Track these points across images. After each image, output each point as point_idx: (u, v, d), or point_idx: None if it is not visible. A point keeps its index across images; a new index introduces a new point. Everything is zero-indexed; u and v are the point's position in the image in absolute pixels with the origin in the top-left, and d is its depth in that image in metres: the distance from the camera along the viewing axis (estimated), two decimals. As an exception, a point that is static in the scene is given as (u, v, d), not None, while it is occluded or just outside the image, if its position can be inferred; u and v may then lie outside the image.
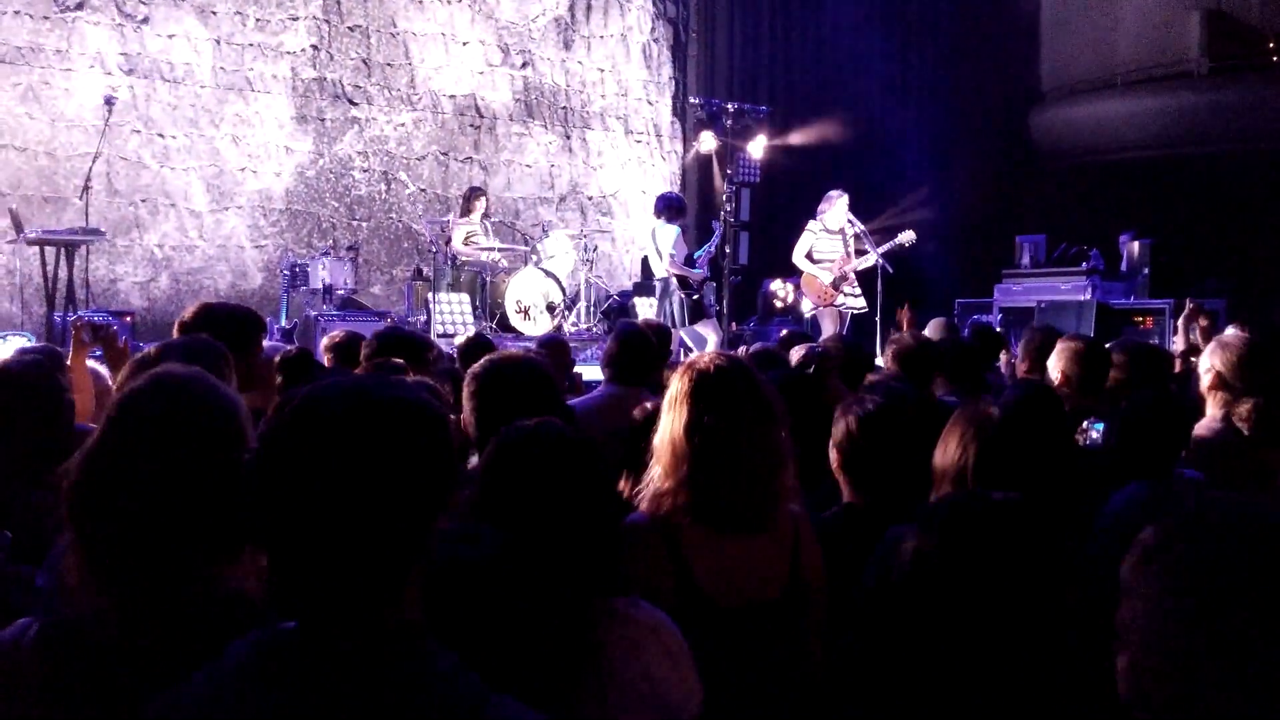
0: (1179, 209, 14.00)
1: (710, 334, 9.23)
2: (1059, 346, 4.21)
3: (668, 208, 9.31)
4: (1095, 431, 3.31)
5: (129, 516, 1.54)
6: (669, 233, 9.15)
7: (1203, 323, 6.22)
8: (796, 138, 13.61)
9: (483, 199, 10.58)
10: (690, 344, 9.07)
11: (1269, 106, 14.55)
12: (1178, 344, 7.14)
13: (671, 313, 9.09)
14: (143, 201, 10.38)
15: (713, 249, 9.70)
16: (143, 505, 1.54)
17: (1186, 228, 13.30)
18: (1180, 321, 6.24)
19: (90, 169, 8.87)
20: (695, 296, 9.22)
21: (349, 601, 1.22)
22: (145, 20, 10.33)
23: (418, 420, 1.26)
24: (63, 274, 8.27)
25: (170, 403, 1.61)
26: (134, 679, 1.49)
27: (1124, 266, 12.45)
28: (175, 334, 3.33)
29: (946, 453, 2.53)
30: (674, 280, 9.12)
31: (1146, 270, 12.18)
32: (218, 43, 10.70)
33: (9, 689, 1.53)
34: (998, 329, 10.22)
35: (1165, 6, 16.01)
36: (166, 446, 1.57)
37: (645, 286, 11.00)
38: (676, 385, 2.45)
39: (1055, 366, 4.15)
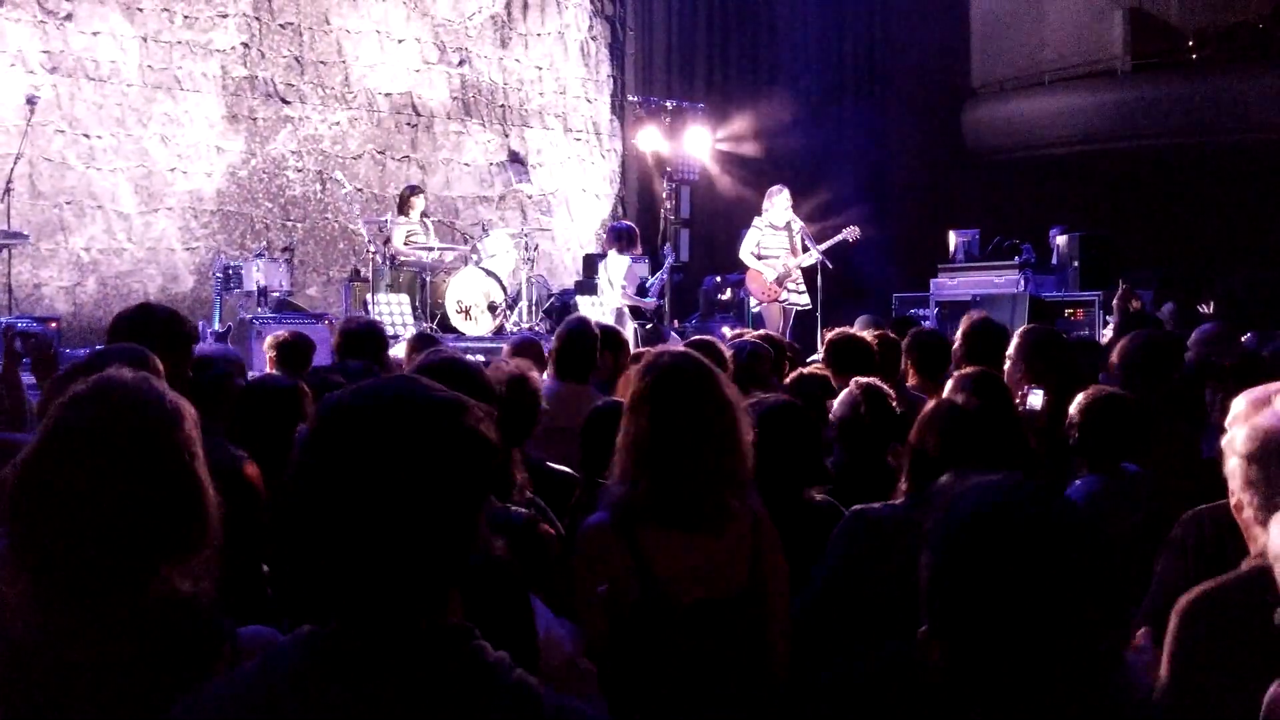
0: (1106, 203, 14.33)
1: None
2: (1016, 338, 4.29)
3: (619, 238, 9.36)
4: (1034, 397, 3.35)
5: (71, 524, 1.52)
6: (620, 264, 9.19)
7: (1136, 304, 6.35)
8: (734, 134, 13.67)
9: (420, 197, 10.47)
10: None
11: (1190, 102, 14.94)
12: (1108, 331, 7.29)
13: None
14: (68, 204, 10.09)
15: (665, 277, 9.74)
16: (85, 513, 1.52)
17: (1114, 221, 13.59)
18: (1115, 303, 6.37)
19: (12, 170, 8.62)
20: (649, 325, 9.23)
21: (397, 602, 1.23)
22: (68, 17, 10.05)
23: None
24: (-15, 279, 8.01)
25: (111, 409, 1.59)
26: (84, 689, 1.48)
27: (1055, 260, 12.67)
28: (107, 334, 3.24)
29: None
30: (627, 311, 9.14)
31: (1076, 263, 12.41)
32: (144, 40, 10.44)
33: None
34: (929, 322, 10.38)
35: (1089, 5, 16.37)
36: (107, 453, 1.54)
37: (587, 285, 10.98)
38: (637, 386, 2.44)
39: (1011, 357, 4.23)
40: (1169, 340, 4.40)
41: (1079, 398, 3.25)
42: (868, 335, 4.84)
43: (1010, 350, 4.22)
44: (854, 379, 3.51)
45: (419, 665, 1.22)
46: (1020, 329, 4.48)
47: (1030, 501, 1.29)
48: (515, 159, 11.83)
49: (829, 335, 4.88)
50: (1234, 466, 1.97)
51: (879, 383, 3.50)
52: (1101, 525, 1.38)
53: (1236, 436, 1.97)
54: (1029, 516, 1.27)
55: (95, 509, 1.52)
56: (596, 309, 9.51)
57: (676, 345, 9.09)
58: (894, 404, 3.44)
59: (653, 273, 10.13)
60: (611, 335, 5.20)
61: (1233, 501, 1.99)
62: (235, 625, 1.62)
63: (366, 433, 1.23)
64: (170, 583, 1.56)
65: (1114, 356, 4.09)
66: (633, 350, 8.81)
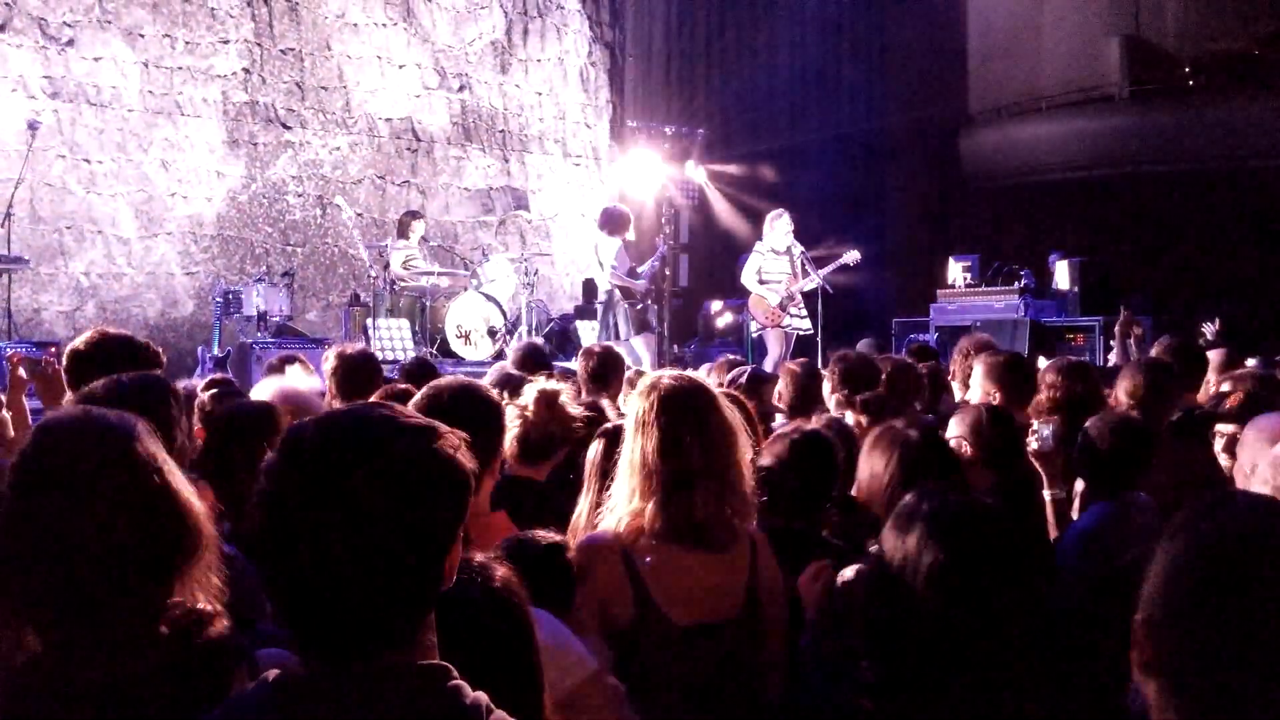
0: (1105, 228, 14.37)
1: (645, 352, 9.15)
2: (983, 363, 4.27)
3: (610, 220, 9.28)
4: (1046, 430, 3.33)
5: (49, 561, 1.49)
6: (611, 245, 9.11)
7: (1137, 331, 6.35)
8: (733, 159, 13.72)
9: (420, 222, 10.48)
10: (628, 359, 9.03)
11: (1186, 129, 15.02)
12: (1112, 357, 7.29)
13: (615, 325, 9.03)
14: (68, 228, 10.08)
15: (657, 264, 9.70)
16: (60, 549, 1.49)
17: (1112, 246, 13.64)
18: (1117, 329, 6.36)
19: (12, 195, 8.61)
20: (640, 307, 9.18)
21: (368, 641, 1.18)
22: (70, 43, 10.07)
23: (428, 451, 1.22)
24: (-16, 303, 7.99)
25: (62, 448, 1.56)
26: (93, 715, 1.45)
27: (1054, 285, 12.70)
28: (66, 363, 3.18)
29: (872, 472, 2.64)
30: (617, 292, 9.07)
31: (1076, 289, 12.43)
32: (145, 66, 10.46)
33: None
34: (933, 346, 10.37)
35: (1086, 33, 16.47)
36: (71, 491, 1.52)
37: (587, 309, 10.96)
38: (641, 406, 2.44)
39: (979, 384, 4.20)
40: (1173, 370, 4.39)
41: (1088, 423, 3.23)
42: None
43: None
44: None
45: (391, 710, 1.16)
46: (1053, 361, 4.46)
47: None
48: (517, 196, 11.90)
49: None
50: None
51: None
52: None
53: (1265, 469, 1.94)
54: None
55: (69, 543, 1.49)
56: (594, 332, 9.50)
57: (651, 340, 9.09)
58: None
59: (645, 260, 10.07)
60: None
61: None
62: (253, 645, 1.59)
63: (331, 463, 1.18)
64: (183, 603, 1.53)
65: (1127, 386, 4.08)
66: (624, 333, 8.86)
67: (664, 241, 9.94)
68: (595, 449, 2.81)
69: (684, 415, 2.39)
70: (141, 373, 2.76)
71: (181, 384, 3.46)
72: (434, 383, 2.83)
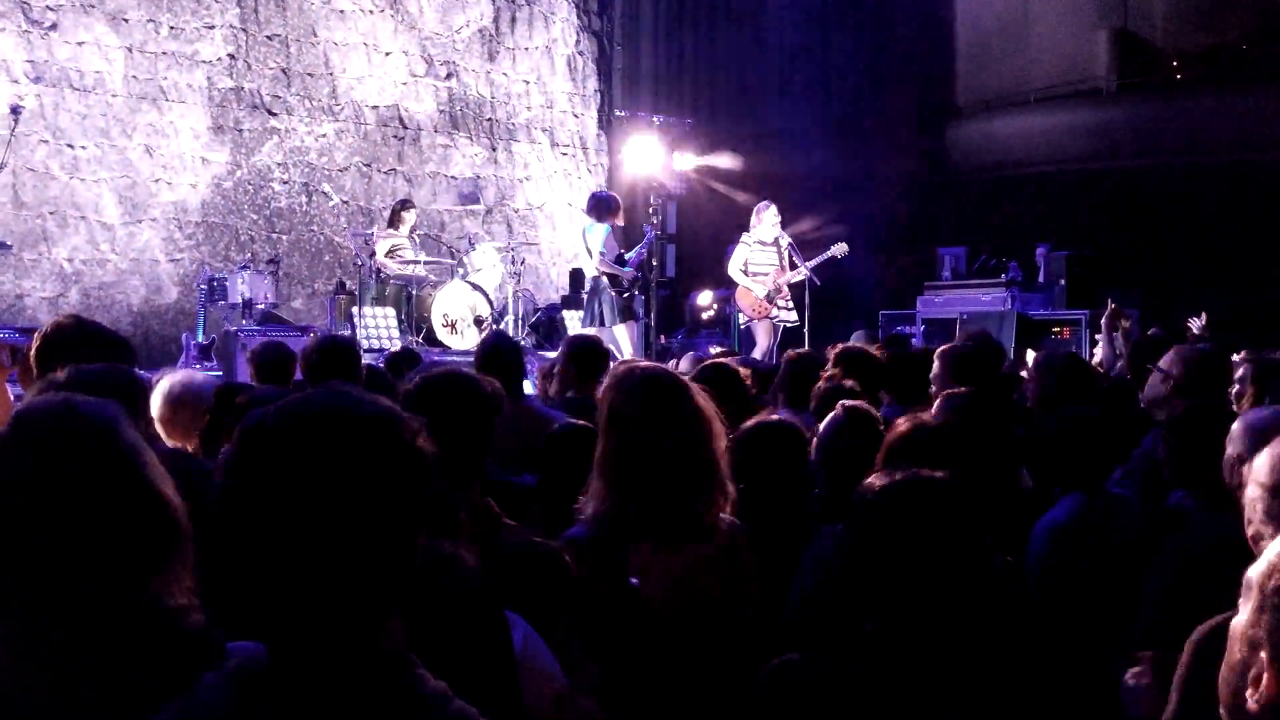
0: (1092, 222, 14.39)
1: (626, 340, 9.10)
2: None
3: (598, 206, 9.23)
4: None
5: (22, 558, 1.45)
6: (599, 231, 9.07)
7: (1124, 324, 6.33)
8: (721, 150, 13.69)
9: (411, 211, 10.44)
10: (610, 347, 8.99)
11: (1174, 122, 15.05)
12: (1098, 351, 7.29)
13: (600, 312, 8.99)
14: (51, 214, 10.01)
15: (644, 251, 9.66)
16: (34, 545, 1.45)
17: (1099, 240, 13.66)
18: (1104, 321, 6.35)
19: (-5, 180, 8.54)
20: (626, 295, 9.13)
21: (329, 630, 1.16)
22: (53, 27, 9.99)
23: (393, 437, 1.19)
24: (-34, 289, 7.92)
25: (38, 439, 1.52)
26: (64, 710, 1.42)
27: (1041, 278, 12.73)
28: (36, 347, 3.13)
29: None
30: (604, 279, 9.03)
31: (1063, 281, 12.46)
32: (130, 51, 10.38)
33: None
34: (915, 340, 10.40)
35: (1075, 25, 16.47)
36: (45, 483, 1.47)
37: (573, 299, 10.94)
38: (615, 398, 2.43)
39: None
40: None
41: (1057, 418, 3.22)
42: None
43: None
44: (840, 402, 3.43)
45: (353, 699, 1.15)
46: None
47: None
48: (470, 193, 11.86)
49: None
50: (1255, 496, 1.90)
51: (865, 405, 3.43)
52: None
53: (1258, 466, 1.91)
54: None
55: (44, 531, 1.45)
56: (581, 324, 9.47)
57: (636, 328, 9.05)
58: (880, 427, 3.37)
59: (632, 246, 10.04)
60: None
61: (1250, 531, 1.92)
62: (225, 639, 1.57)
63: (290, 451, 1.16)
64: (158, 598, 1.50)
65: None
66: (609, 320, 8.83)
67: (652, 229, 9.90)
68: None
69: (657, 406, 2.38)
70: (108, 363, 2.73)
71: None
72: (426, 374, 2.81)
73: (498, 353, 4.26)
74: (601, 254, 9.01)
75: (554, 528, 2.56)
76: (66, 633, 1.46)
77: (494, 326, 10.08)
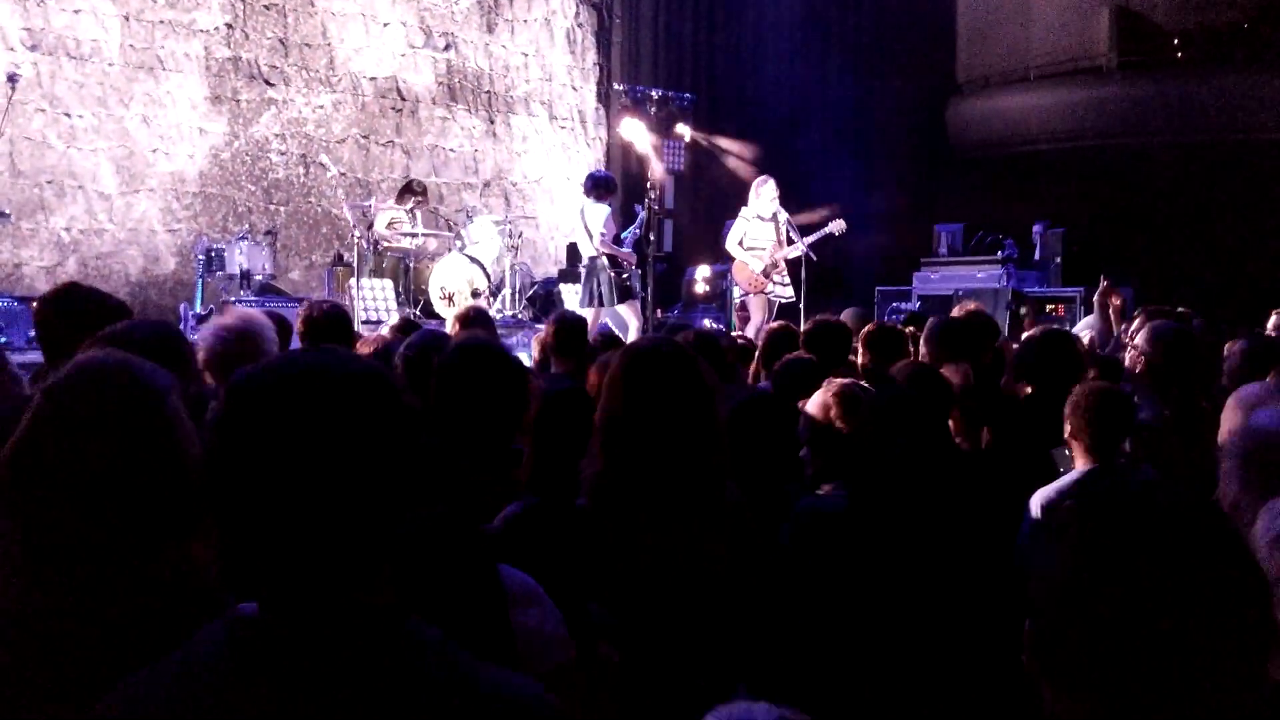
0: (1089, 200, 14.38)
1: (631, 317, 9.16)
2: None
3: (596, 186, 9.21)
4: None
5: (64, 506, 1.52)
6: (599, 211, 9.06)
7: (1116, 302, 6.33)
8: (719, 125, 13.66)
9: (418, 196, 10.42)
10: (613, 326, 9.02)
11: (1174, 101, 15.02)
12: (1082, 328, 7.31)
13: (599, 292, 9.01)
14: (48, 183, 10.00)
15: (638, 231, 9.66)
16: (78, 494, 1.52)
17: (1096, 218, 13.66)
18: (1096, 299, 6.36)
19: (-8, 148, 8.52)
20: (624, 276, 9.14)
21: (321, 584, 1.18)
22: (50, -6, 9.94)
23: (381, 393, 1.22)
24: (-37, 258, 7.93)
25: (97, 388, 1.59)
26: (87, 665, 1.46)
27: (1037, 255, 12.74)
28: (35, 315, 3.18)
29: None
30: (603, 259, 9.03)
31: (1059, 259, 12.48)
32: (126, 19, 10.34)
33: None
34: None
35: (1075, 3, 16.40)
36: (97, 432, 1.55)
37: (570, 273, 10.94)
38: (614, 367, 2.45)
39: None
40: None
41: (1075, 390, 3.24)
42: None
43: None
44: (829, 379, 3.43)
45: (347, 650, 1.17)
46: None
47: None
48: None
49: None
50: (1230, 468, 1.94)
51: (859, 383, 3.45)
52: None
53: (1231, 437, 1.95)
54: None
55: (84, 485, 1.52)
56: (578, 298, 9.48)
57: (636, 307, 9.07)
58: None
59: (626, 227, 10.04)
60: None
61: (1227, 501, 1.95)
62: (237, 600, 1.61)
63: (278, 408, 1.17)
64: (178, 558, 1.55)
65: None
66: (607, 298, 8.85)
67: (644, 208, 9.88)
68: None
69: (650, 378, 2.39)
70: (162, 321, 2.81)
71: None
72: (458, 342, 2.82)
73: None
74: (601, 234, 9.00)
75: (543, 491, 2.58)
76: (91, 583, 1.51)
77: (491, 299, 10.10)
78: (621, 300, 9.05)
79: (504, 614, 1.92)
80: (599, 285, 9.00)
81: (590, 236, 9.08)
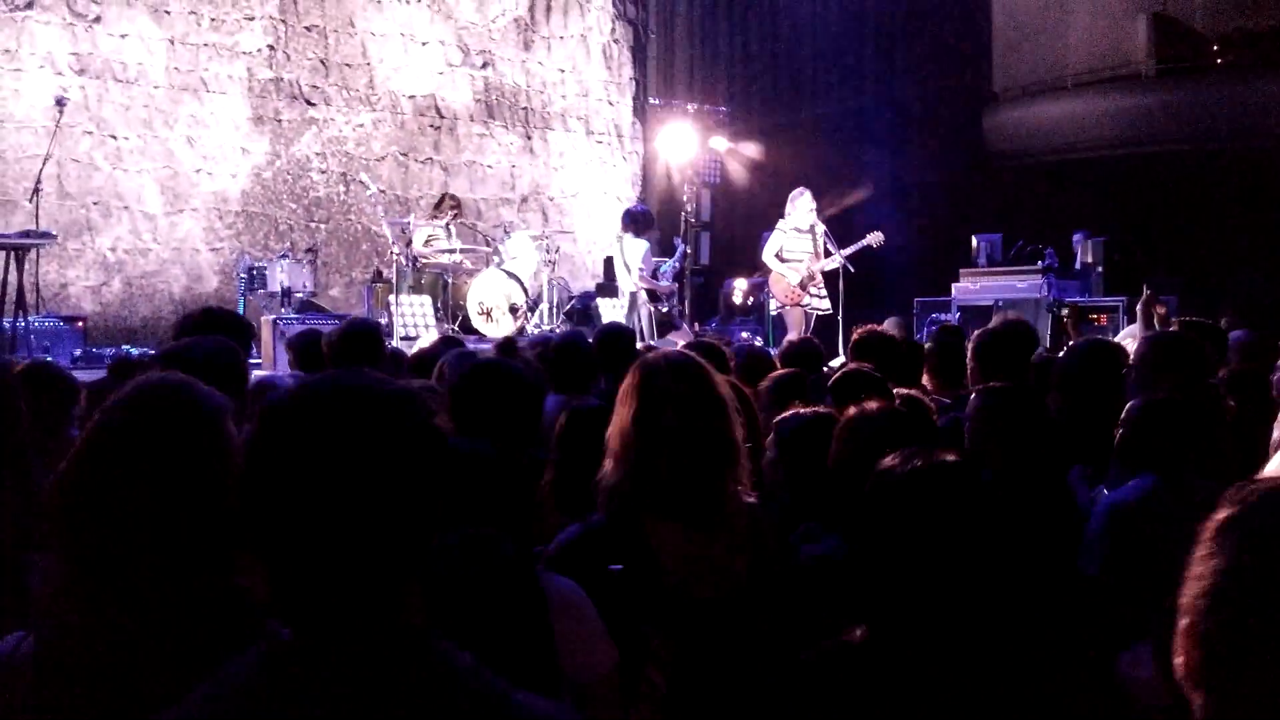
0: (1129, 208, 14.26)
1: (682, 342, 9.20)
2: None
3: (635, 222, 9.30)
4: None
5: (119, 527, 1.52)
6: (637, 246, 9.14)
7: (1160, 310, 6.26)
8: (755, 137, 13.67)
9: (454, 210, 10.52)
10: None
11: (1213, 107, 14.86)
12: (1125, 336, 7.23)
13: (640, 326, 9.09)
14: (94, 204, 10.18)
15: (678, 265, 9.72)
16: (132, 516, 1.52)
17: (1137, 226, 13.54)
18: (1139, 308, 6.29)
19: (40, 171, 8.66)
20: (664, 309, 9.21)
21: (352, 607, 1.19)
22: (97, 20, 10.14)
23: (409, 415, 1.23)
24: (12, 278, 8.05)
25: (155, 409, 1.60)
26: (137, 689, 1.47)
27: (1078, 264, 12.63)
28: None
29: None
30: (642, 294, 9.11)
31: (1100, 268, 12.37)
32: (171, 42, 10.52)
33: (5, 705, 1.51)
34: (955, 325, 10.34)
35: (1113, 10, 16.30)
36: (152, 453, 1.55)
37: (608, 287, 10.98)
38: (628, 379, 2.46)
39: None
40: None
41: (1131, 403, 3.18)
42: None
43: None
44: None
45: (378, 674, 1.17)
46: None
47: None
48: None
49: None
50: None
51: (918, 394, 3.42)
52: None
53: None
54: None
55: (139, 512, 1.52)
56: (618, 311, 9.52)
57: (686, 335, 9.13)
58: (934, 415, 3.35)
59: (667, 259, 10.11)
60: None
61: None
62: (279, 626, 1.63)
63: (311, 431, 1.18)
64: (224, 582, 1.56)
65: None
66: (647, 332, 8.91)
67: (682, 242, 9.95)
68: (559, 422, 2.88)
69: (662, 388, 2.38)
70: (221, 341, 2.89)
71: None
72: (474, 362, 2.89)
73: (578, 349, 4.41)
74: (640, 269, 9.08)
75: (565, 505, 2.59)
76: (142, 605, 1.52)
77: (529, 314, 10.16)
78: (662, 334, 9.10)
79: (547, 631, 1.93)
80: (639, 320, 9.06)
81: (629, 271, 9.13)
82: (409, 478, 1.20)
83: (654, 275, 9.26)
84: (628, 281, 9.21)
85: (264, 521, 1.19)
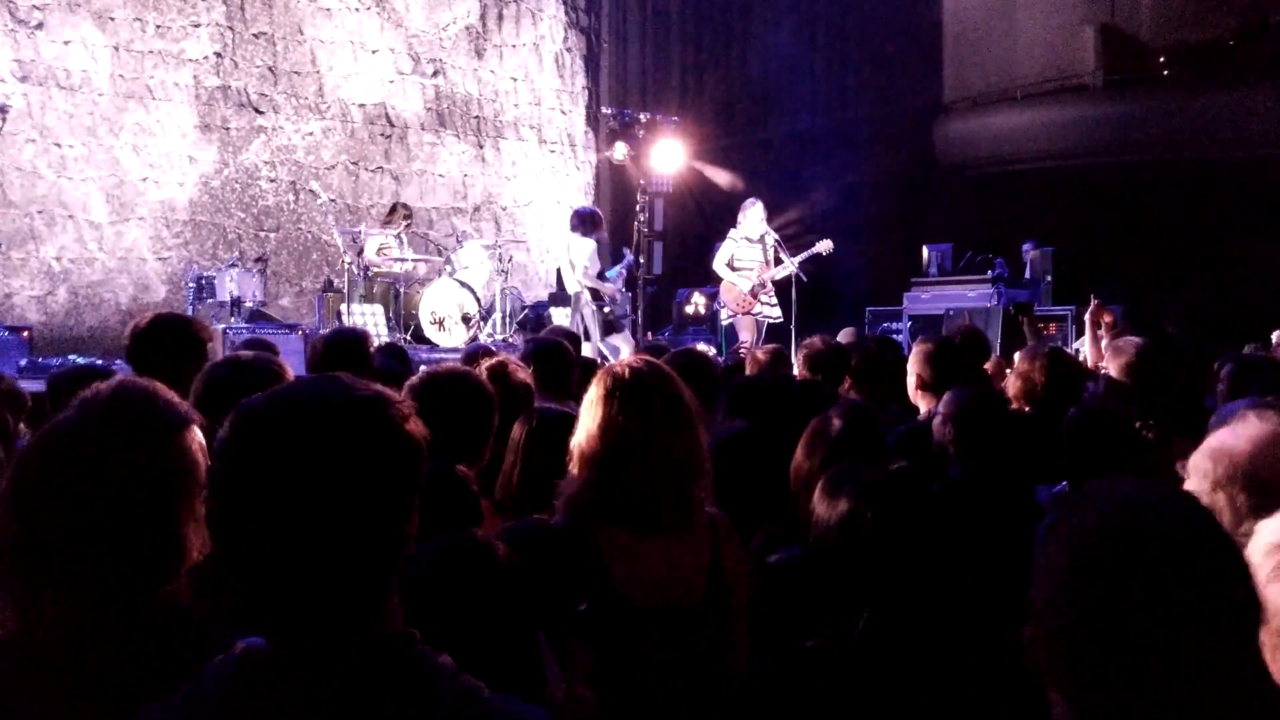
0: (1078, 218, 14.45)
1: (624, 346, 9.21)
2: (914, 349, 4.35)
3: (583, 222, 9.30)
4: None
5: (69, 534, 1.48)
6: (584, 246, 9.14)
7: (1107, 319, 6.32)
8: (707, 147, 13.72)
9: (405, 219, 10.48)
10: (609, 356, 9.06)
11: (1160, 119, 15.12)
12: (1081, 346, 7.33)
13: (584, 326, 9.07)
14: (39, 213, 10.02)
15: (624, 272, 9.73)
16: (84, 516, 1.48)
17: (1085, 236, 13.72)
18: (1087, 317, 6.37)
19: (-18, 179, 8.54)
20: (606, 309, 9.20)
21: (330, 614, 1.18)
22: (39, 26, 9.98)
23: (383, 420, 1.22)
24: (-46, 288, 7.92)
25: (122, 413, 1.56)
26: (81, 702, 1.45)
27: (1027, 274, 12.79)
28: (127, 342, 3.29)
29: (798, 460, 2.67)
30: (586, 293, 9.11)
31: (1049, 278, 12.52)
32: (116, 49, 10.38)
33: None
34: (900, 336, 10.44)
35: (1061, 22, 16.54)
36: (112, 457, 1.51)
37: (561, 297, 10.96)
38: (594, 389, 2.46)
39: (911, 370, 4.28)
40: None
41: (1070, 415, 3.22)
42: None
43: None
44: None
45: (357, 680, 1.17)
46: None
47: (1172, 501, 1.16)
48: None
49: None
50: (1192, 487, 1.91)
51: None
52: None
53: (1198, 461, 1.94)
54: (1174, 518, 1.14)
55: (96, 512, 1.48)
56: (569, 319, 9.51)
57: (628, 340, 9.12)
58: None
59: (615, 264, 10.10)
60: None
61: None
62: (234, 635, 1.61)
63: (284, 437, 1.17)
64: (174, 593, 1.53)
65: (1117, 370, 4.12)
66: (592, 331, 8.89)
67: (630, 252, 9.96)
68: (518, 430, 2.88)
69: (629, 397, 2.39)
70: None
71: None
72: (428, 370, 2.87)
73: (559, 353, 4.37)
74: (585, 268, 9.08)
75: (526, 514, 2.59)
76: (92, 615, 1.48)
77: (481, 324, 10.12)
78: (606, 334, 9.10)
79: (533, 634, 1.91)
80: (584, 319, 9.06)
81: (574, 269, 9.14)
82: (385, 483, 1.19)
83: (599, 277, 9.25)
84: (573, 281, 9.20)
85: (238, 528, 1.17)
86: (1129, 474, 3.17)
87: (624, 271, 9.68)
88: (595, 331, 9.05)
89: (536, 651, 1.90)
